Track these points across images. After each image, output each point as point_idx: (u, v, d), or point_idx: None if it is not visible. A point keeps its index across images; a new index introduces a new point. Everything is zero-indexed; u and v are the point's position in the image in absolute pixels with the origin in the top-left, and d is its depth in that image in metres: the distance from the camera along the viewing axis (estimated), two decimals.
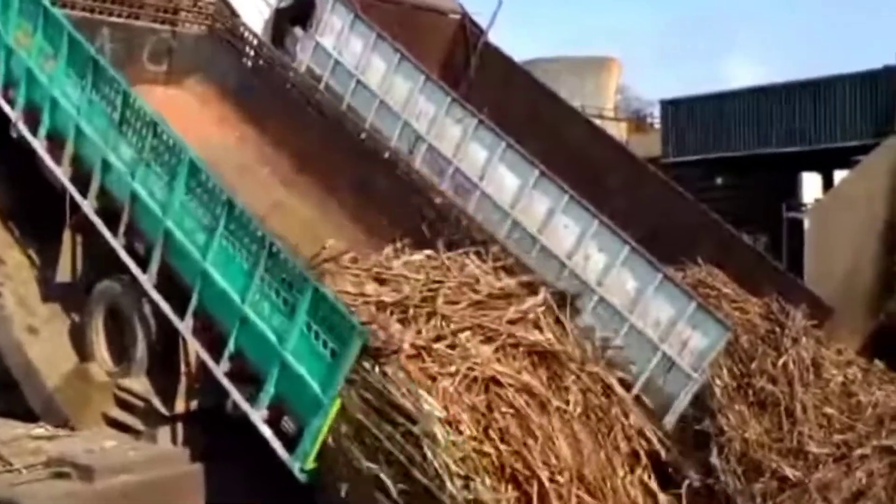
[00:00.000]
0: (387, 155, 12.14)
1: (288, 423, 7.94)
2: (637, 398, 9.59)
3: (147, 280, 9.38)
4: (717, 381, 9.90)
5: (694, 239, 12.30)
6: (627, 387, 9.71)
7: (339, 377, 7.33)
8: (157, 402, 9.22)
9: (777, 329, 10.66)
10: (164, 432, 9.19)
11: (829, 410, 9.63)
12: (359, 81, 12.87)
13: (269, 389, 8.05)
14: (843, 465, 8.89)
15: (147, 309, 9.52)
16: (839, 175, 19.87)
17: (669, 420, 9.60)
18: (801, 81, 20.50)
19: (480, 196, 11.78)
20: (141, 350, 9.61)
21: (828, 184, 21.07)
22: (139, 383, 9.49)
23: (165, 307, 9.17)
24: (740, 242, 12.73)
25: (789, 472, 9.07)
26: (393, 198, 11.65)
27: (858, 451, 9.07)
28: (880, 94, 18.42)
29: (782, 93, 20.32)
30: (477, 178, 11.86)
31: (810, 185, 21.78)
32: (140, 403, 9.39)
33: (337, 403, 7.34)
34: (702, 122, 21.31)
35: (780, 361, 10.13)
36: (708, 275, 11.77)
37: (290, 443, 7.81)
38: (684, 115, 21.92)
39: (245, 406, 8.23)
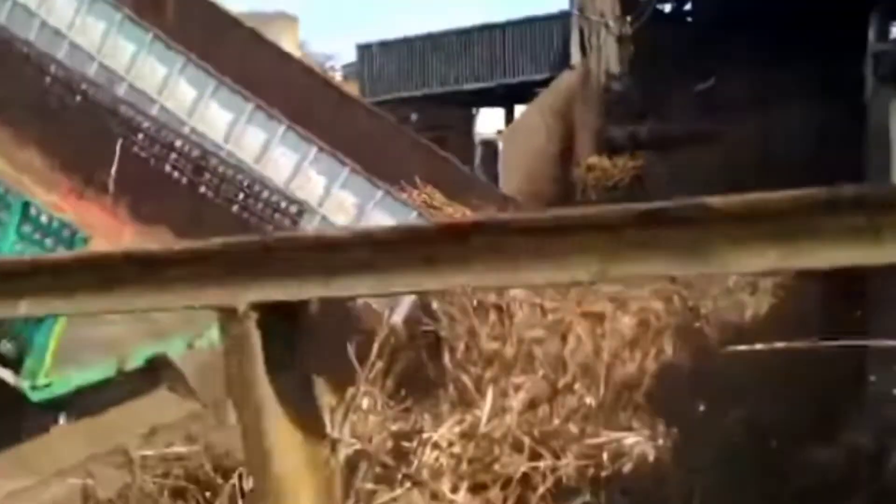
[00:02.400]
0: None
1: (6, 346, 7.64)
2: (365, 302, 10.19)
3: None
4: None
5: (409, 164, 13.00)
6: None
7: None
8: None
9: None
10: None
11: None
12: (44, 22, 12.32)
13: None
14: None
15: None
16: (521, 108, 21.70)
17: (395, 321, 10.26)
18: (485, 24, 21.82)
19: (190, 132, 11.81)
20: None
21: (510, 115, 23.06)
22: None
23: None
24: (450, 164, 13.61)
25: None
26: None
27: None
28: (556, 36, 20.24)
29: (472, 34, 21.61)
30: (185, 114, 11.85)
31: (487, 117, 24.11)
32: None
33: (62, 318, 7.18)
34: (398, 63, 22.18)
35: None
36: (427, 195, 12.53)
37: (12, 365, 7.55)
38: (379, 57, 22.64)
39: None
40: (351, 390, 7.56)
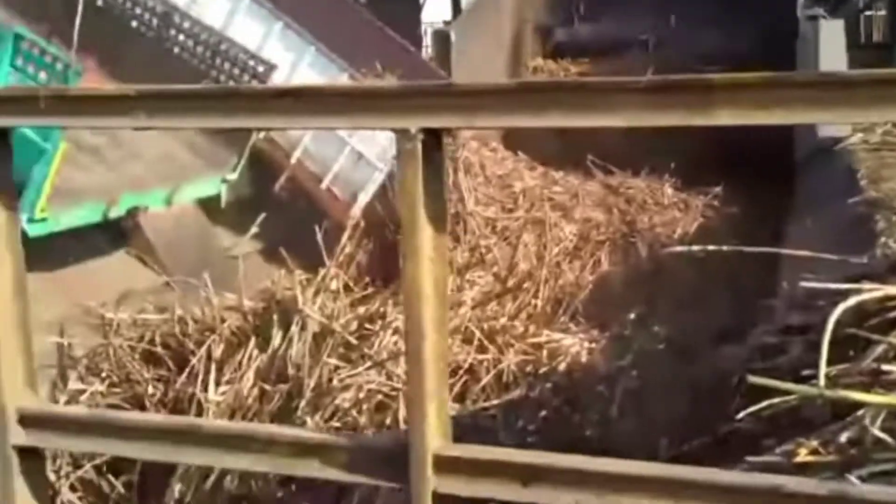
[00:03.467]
0: None
1: None
2: (328, 190, 10.52)
3: None
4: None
5: (364, 48, 13.04)
6: (318, 180, 10.57)
7: None
8: None
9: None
10: None
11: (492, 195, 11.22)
12: None
13: None
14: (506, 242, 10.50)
15: None
16: None
17: (356, 210, 10.66)
18: None
19: None
20: None
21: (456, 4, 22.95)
22: None
23: None
24: (407, 50, 13.67)
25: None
26: None
27: (516, 225, 10.76)
28: None
29: None
30: None
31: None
32: None
33: (62, 147, 7.37)
34: None
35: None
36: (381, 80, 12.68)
37: None
38: None
39: None
40: (322, 270, 8.00)
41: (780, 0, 15.79)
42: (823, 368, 3.22)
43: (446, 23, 20.57)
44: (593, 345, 7.83)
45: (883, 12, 32.07)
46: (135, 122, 2.44)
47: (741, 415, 3.56)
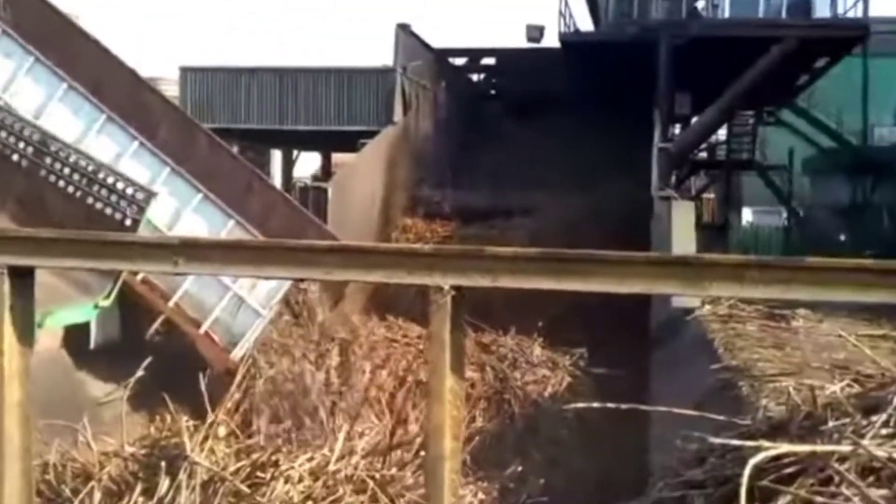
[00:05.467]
0: None
1: None
2: (207, 335, 10.43)
3: None
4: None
5: (245, 197, 13.25)
6: (197, 324, 10.48)
7: None
8: None
9: None
10: None
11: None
12: None
13: None
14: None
15: None
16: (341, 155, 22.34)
17: (237, 354, 10.58)
18: (309, 68, 22.33)
19: None
20: None
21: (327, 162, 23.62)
22: None
23: None
24: (287, 201, 13.95)
25: None
26: None
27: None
28: (381, 90, 21.05)
29: (297, 75, 21.99)
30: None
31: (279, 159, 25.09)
32: None
33: None
34: (222, 93, 22.18)
35: None
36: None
37: None
38: (201, 82, 22.54)
39: None
40: (210, 417, 7.84)
41: (637, 175, 17.13)
42: None
43: (315, 178, 21.14)
44: (482, 496, 7.96)
45: (711, 195, 35.11)
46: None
47: None
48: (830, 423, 4.12)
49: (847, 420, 4.06)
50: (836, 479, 3.67)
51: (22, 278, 2.57)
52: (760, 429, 5.26)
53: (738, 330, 11.50)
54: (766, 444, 4.31)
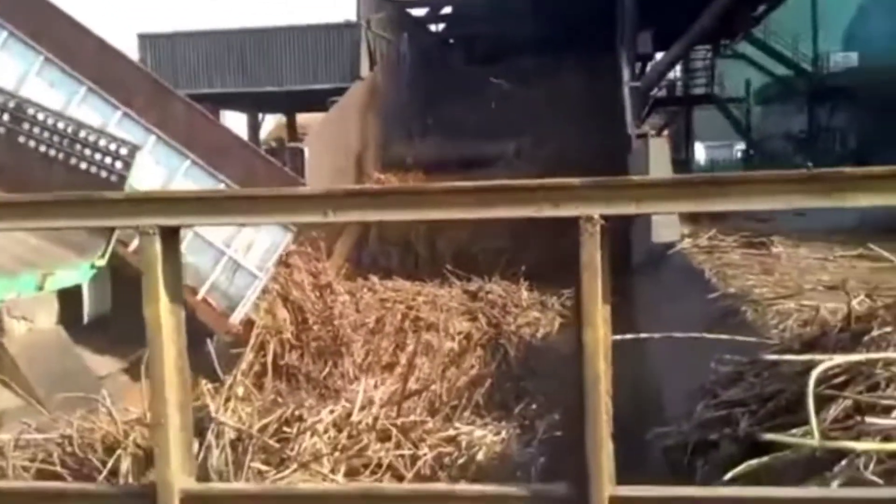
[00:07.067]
0: None
1: None
2: (204, 301, 10.47)
3: None
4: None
5: (225, 159, 13.19)
6: (194, 291, 10.53)
7: None
8: None
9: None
10: None
11: None
12: None
13: None
14: None
15: None
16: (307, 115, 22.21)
17: (236, 318, 10.64)
18: (283, 27, 21.95)
19: None
20: None
21: (291, 120, 23.44)
22: None
23: None
24: (266, 161, 13.90)
25: None
26: None
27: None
28: (346, 45, 20.88)
29: (258, 35, 21.70)
30: None
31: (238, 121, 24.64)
32: None
33: None
34: (182, 58, 21.88)
35: None
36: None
37: None
38: (161, 48, 22.24)
39: None
40: (227, 378, 7.96)
41: (606, 114, 17.32)
42: (815, 423, 3.71)
43: (278, 140, 20.99)
44: (502, 435, 8.19)
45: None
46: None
47: (732, 473, 3.98)
48: (875, 332, 4.30)
49: (888, 329, 4.27)
50: (883, 384, 3.90)
51: (170, 238, 2.67)
52: (792, 346, 5.46)
53: (725, 259, 11.79)
54: (819, 356, 4.35)
